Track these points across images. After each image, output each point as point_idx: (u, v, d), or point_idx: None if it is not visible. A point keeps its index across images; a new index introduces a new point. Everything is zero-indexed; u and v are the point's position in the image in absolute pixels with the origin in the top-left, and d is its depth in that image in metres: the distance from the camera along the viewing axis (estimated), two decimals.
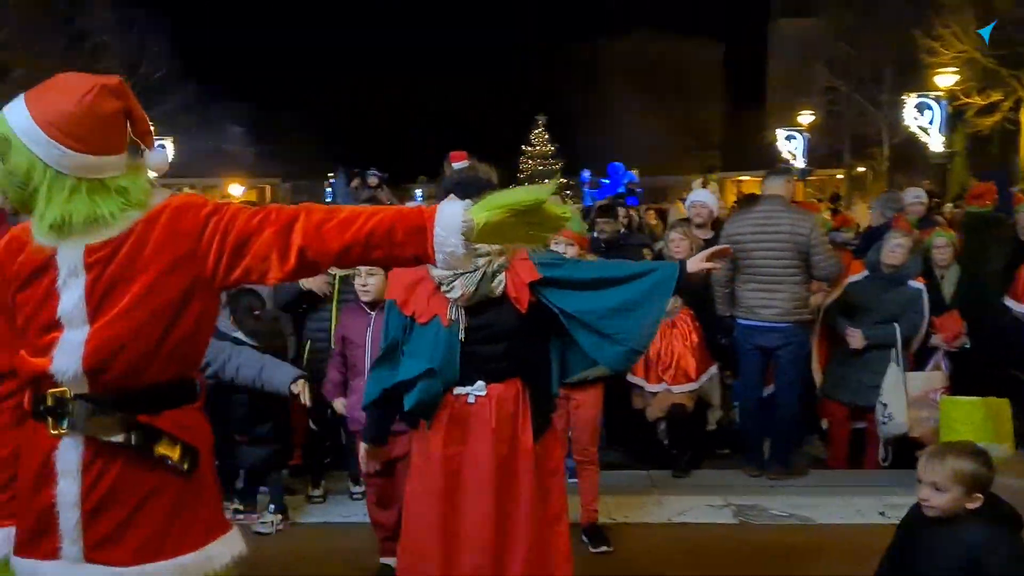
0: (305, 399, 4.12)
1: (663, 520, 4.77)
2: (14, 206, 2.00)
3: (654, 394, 5.58)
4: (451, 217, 1.87)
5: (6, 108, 1.91)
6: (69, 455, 1.95)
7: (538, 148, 44.86)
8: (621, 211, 7.74)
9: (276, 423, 4.61)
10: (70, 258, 1.92)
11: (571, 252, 4.34)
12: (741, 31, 40.32)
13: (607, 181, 31.25)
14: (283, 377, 4.20)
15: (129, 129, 2.01)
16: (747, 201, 6.63)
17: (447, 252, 1.87)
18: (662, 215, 14.29)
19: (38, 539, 2.00)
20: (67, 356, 1.91)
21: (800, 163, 27.79)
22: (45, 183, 1.88)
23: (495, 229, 1.85)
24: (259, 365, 4.25)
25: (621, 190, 28.76)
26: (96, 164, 1.91)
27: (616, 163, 31.20)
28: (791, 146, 28.53)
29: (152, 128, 2.10)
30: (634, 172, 32.40)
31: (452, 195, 2.85)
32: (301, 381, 4.14)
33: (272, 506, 4.70)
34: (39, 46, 27.04)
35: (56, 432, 1.94)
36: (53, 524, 1.96)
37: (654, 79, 35.40)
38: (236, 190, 41.78)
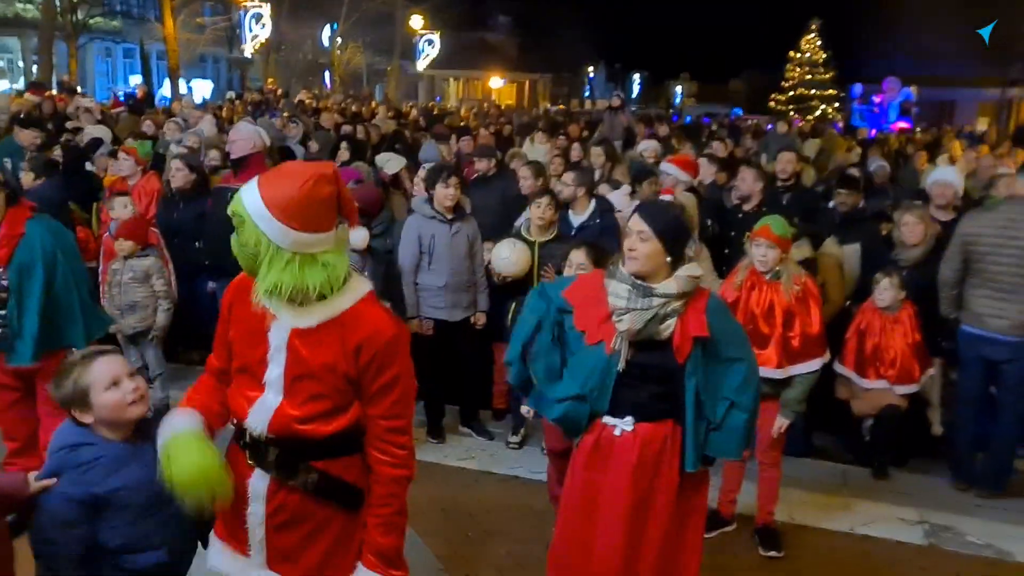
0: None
1: (845, 529, 4.66)
2: (244, 269, 2.35)
3: (866, 390, 5.37)
4: None
5: (243, 189, 2.26)
6: (259, 484, 2.38)
7: (808, 55, 41.55)
8: (865, 168, 7.20)
9: None
10: (278, 337, 2.30)
11: (771, 256, 4.25)
12: None
13: (878, 99, 28.75)
14: None
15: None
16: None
17: None
18: (932, 151, 13.04)
19: (234, 537, 2.47)
20: (259, 416, 2.32)
21: None
22: (268, 255, 2.21)
23: None
24: None
25: (893, 108, 26.31)
26: (310, 240, 2.22)
27: (892, 78, 28.50)
28: None
29: (355, 208, 2.38)
30: (911, 89, 29.44)
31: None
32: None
33: None
34: None
35: (250, 464, 2.37)
36: (244, 534, 2.42)
37: None
38: (496, 82, 43.17)
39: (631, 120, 14.00)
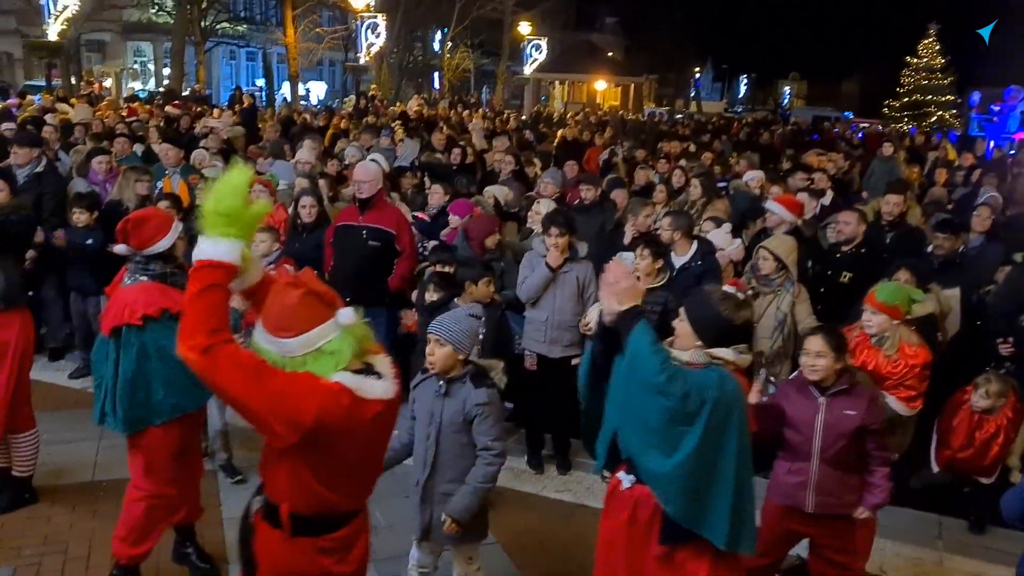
0: None
1: None
2: None
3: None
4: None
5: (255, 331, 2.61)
6: None
7: (925, 60, 39.96)
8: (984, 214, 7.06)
9: None
10: None
11: (876, 321, 4.39)
12: None
13: (998, 108, 27.26)
14: None
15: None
16: None
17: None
18: None
19: None
20: None
21: None
22: (287, 367, 2.51)
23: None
24: None
25: (1014, 118, 24.86)
26: (307, 340, 2.51)
27: (1014, 86, 26.97)
28: None
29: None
30: None
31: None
32: None
33: None
34: None
35: None
36: None
37: None
38: (601, 85, 43.17)
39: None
